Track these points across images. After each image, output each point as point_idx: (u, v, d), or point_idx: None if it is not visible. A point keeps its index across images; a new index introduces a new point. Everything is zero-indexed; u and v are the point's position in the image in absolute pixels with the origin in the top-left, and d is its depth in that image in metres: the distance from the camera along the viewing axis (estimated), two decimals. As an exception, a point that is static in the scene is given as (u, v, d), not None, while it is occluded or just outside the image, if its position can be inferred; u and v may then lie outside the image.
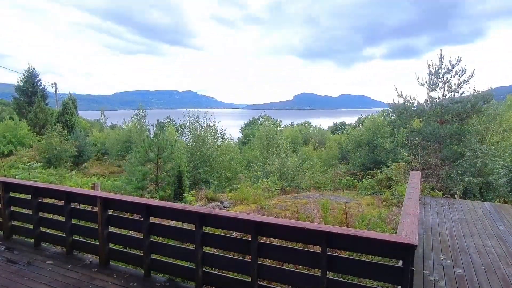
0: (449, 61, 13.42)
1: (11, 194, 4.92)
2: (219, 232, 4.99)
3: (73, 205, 4.51)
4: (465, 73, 13.14)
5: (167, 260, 3.89)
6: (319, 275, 2.89)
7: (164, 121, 46.06)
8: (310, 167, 21.93)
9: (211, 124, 23.02)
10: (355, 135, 22.93)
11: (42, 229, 4.67)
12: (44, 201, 5.07)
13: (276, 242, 4.19)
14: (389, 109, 16.75)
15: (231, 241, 3.63)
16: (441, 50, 13.57)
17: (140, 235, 3.88)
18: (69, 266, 4.03)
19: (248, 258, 3.28)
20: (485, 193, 11.30)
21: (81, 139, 23.28)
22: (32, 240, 4.72)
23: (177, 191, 13.67)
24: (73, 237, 4.43)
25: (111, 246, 4.18)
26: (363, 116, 31.75)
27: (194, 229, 3.45)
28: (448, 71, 13.52)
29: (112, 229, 4.16)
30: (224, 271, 3.81)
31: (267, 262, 3.93)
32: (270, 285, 3.38)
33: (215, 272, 3.63)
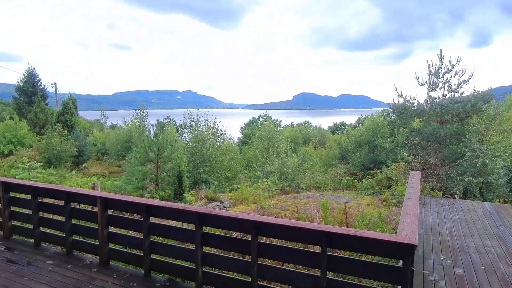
0: (449, 61, 13.42)
1: (11, 194, 4.92)
2: (219, 232, 4.99)
3: (73, 205, 4.51)
4: (465, 73, 13.15)
5: (167, 260, 3.89)
6: (319, 275, 2.89)
7: (164, 121, 46.05)
8: (310, 167, 21.93)
9: (212, 124, 23.02)
10: (355, 135, 22.94)
11: (42, 229, 4.67)
12: (44, 201, 5.07)
13: (276, 242, 4.19)
14: (389, 109, 16.75)
15: (231, 241, 3.63)
16: (441, 50, 13.58)
17: (140, 235, 3.88)
18: (69, 266, 4.03)
19: (248, 258, 3.28)
20: (485, 193, 11.29)
21: (81, 139, 23.27)
22: (32, 240, 4.72)
23: (177, 191, 13.66)
24: (73, 237, 4.43)
25: (111, 246, 4.18)
26: (363, 116, 31.76)
27: (194, 229, 3.45)
28: (448, 71, 13.52)
29: (112, 229, 4.16)
30: (224, 271, 3.81)
31: (267, 262, 3.93)
32: (270, 285, 3.38)
33: (215, 272, 3.64)
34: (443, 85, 13.73)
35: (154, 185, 13.56)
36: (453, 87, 13.48)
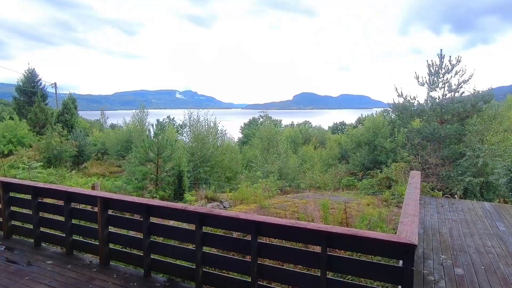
0: (449, 61, 13.42)
1: (11, 194, 4.92)
2: (219, 232, 4.99)
3: (73, 205, 4.51)
4: (465, 73, 13.15)
5: (167, 260, 3.89)
6: (319, 275, 2.89)
7: (164, 121, 46.04)
8: (310, 167, 21.93)
9: (211, 124, 23.02)
10: (355, 135, 22.94)
11: (42, 229, 4.67)
12: (44, 201, 5.07)
13: (276, 242, 4.19)
14: (389, 109, 16.77)
15: (231, 241, 3.63)
16: (441, 50, 13.58)
17: (140, 235, 3.88)
18: (69, 266, 4.02)
19: (248, 258, 3.27)
20: (485, 193, 11.29)
21: (81, 139, 23.28)
22: (32, 240, 4.72)
23: (177, 191, 13.67)
24: (73, 237, 4.43)
25: (111, 246, 4.17)
26: (363, 116, 31.75)
27: (194, 229, 3.45)
28: (448, 71, 13.52)
29: (112, 229, 4.16)
30: (224, 271, 3.81)
31: (267, 262, 3.92)
32: (270, 285, 3.38)
33: (215, 272, 3.63)
34: (443, 85, 13.73)
35: (154, 185, 13.56)
36: (453, 87, 13.48)
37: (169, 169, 14.09)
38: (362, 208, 8.16)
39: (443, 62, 13.56)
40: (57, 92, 36.16)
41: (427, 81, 14.04)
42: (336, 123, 51.00)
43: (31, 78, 31.74)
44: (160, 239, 4.49)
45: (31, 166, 12.27)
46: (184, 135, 25.78)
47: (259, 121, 43.84)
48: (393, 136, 19.17)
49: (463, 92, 13.51)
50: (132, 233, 4.60)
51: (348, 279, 3.71)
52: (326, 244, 2.84)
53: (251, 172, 19.53)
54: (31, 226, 4.73)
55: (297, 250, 3.22)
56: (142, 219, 3.76)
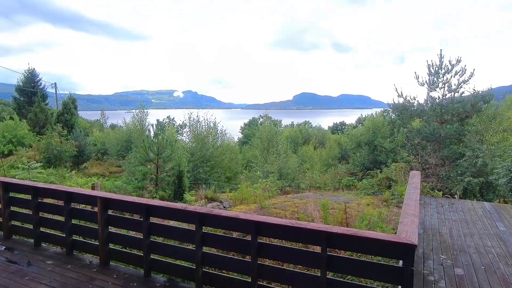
0: (449, 61, 13.42)
1: (11, 194, 4.92)
2: (219, 232, 4.99)
3: (73, 205, 4.51)
4: (465, 73, 13.15)
5: (167, 260, 3.89)
6: (319, 275, 2.89)
7: (164, 121, 46.06)
8: (310, 167, 21.94)
9: (211, 124, 23.03)
10: (355, 135, 22.94)
11: (42, 229, 4.67)
12: (44, 201, 5.07)
13: (276, 242, 4.19)
14: (389, 109, 16.77)
15: (231, 241, 3.63)
16: (441, 50, 13.58)
17: (140, 235, 3.88)
18: (69, 266, 4.02)
19: (248, 258, 3.28)
20: (485, 193, 11.30)
21: (81, 139, 23.27)
22: (32, 240, 4.72)
23: (177, 191, 13.67)
24: (73, 237, 4.43)
25: (111, 246, 4.17)
26: (363, 116, 31.77)
27: (194, 229, 3.45)
28: (448, 71, 13.52)
29: (112, 229, 4.16)
30: (224, 271, 3.81)
31: (267, 262, 3.92)
32: (270, 285, 3.38)
33: (215, 272, 3.63)
34: (443, 85, 13.73)
35: (154, 185, 13.56)
36: (453, 87, 13.49)
37: (169, 169, 14.09)
38: (362, 208, 8.16)
39: (443, 62, 13.56)
40: (57, 92, 36.19)
41: (427, 81, 14.04)
42: (336, 123, 51.04)
43: (31, 78, 31.74)
44: (160, 239, 4.49)
45: (31, 166, 12.26)
46: (184, 135, 25.79)
47: (259, 121, 43.86)
48: (393, 136, 19.17)
49: (463, 92, 13.52)
50: (132, 233, 4.60)
51: (348, 279, 3.72)
52: (326, 244, 2.84)
53: (251, 172, 19.54)
54: (31, 226, 4.73)
55: (297, 250, 3.22)
56: (142, 219, 3.76)
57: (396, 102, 14.87)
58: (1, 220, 4.91)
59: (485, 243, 5.22)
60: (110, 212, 4.14)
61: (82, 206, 5.34)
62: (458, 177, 11.77)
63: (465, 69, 13.09)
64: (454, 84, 13.48)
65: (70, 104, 26.96)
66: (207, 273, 3.50)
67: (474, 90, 13.31)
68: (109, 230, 4.08)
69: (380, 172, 13.26)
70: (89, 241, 4.41)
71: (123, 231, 4.83)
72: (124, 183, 14.35)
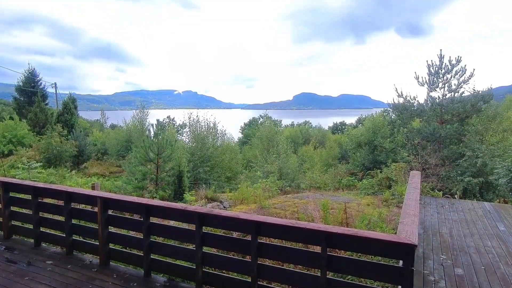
0: (449, 61, 13.43)
1: (11, 194, 4.92)
2: (219, 232, 4.99)
3: (73, 205, 4.51)
4: (465, 73, 13.16)
5: (167, 260, 3.89)
6: (319, 275, 2.89)
7: (164, 121, 46.05)
8: (310, 167, 21.94)
9: (211, 124, 23.03)
10: (355, 135, 22.94)
11: (42, 229, 4.67)
12: (44, 201, 5.07)
13: (276, 242, 4.19)
14: (389, 109, 16.78)
15: (231, 241, 3.63)
16: (441, 50, 13.59)
17: (140, 235, 3.88)
18: (69, 266, 4.02)
19: (248, 258, 3.28)
20: (485, 193, 11.30)
21: (81, 139, 23.27)
22: (32, 240, 4.72)
23: (177, 191, 13.67)
24: (73, 237, 4.43)
25: (111, 246, 4.18)
26: (363, 116, 31.75)
27: (194, 229, 3.45)
28: (448, 71, 13.53)
29: (112, 229, 4.16)
30: (224, 271, 3.81)
31: (267, 262, 3.92)
32: (270, 285, 3.38)
33: (215, 272, 3.63)
34: (443, 85, 13.74)
35: (154, 185, 13.56)
36: (453, 87, 13.49)
37: (169, 169, 14.09)
38: (362, 208, 8.16)
39: (443, 62, 13.57)
40: (57, 92, 36.19)
41: (427, 81, 14.06)
42: (336, 123, 51.05)
43: (31, 78, 31.74)
44: (160, 239, 4.49)
45: (31, 166, 12.26)
46: (184, 135, 25.80)
47: (259, 121, 43.87)
48: (393, 136, 19.16)
49: (463, 92, 13.53)
50: (132, 233, 4.60)
51: (348, 279, 3.72)
52: (326, 244, 2.84)
53: (251, 172, 19.54)
54: (31, 226, 4.73)
55: (297, 250, 3.22)
56: (142, 219, 3.76)
57: (396, 102, 14.88)
58: (1, 220, 4.91)
59: (485, 243, 5.23)
60: (110, 212, 4.14)
61: (82, 206, 5.34)
62: (458, 177, 11.78)
63: (465, 69, 13.11)
64: (454, 84, 13.49)
65: (70, 104, 26.96)
66: (207, 273, 3.50)
67: (474, 90, 13.32)
68: (109, 230, 4.08)
69: (380, 172, 13.25)
70: (89, 241, 4.41)
71: (123, 231, 4.83)
72: (124, 183, 14.34)
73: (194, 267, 3.48)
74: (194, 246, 3.49)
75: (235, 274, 3.58)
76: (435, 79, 13.82)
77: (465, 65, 13.12)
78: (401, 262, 2.73)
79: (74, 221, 4.46)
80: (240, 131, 47.52)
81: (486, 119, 13.69)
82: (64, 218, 4.33)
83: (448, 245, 5.13)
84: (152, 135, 15.08)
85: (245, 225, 3.32)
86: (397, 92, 14.73)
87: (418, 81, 14.23)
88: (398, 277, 2.67)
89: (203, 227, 3.50)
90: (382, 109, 27.30)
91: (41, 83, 32.49)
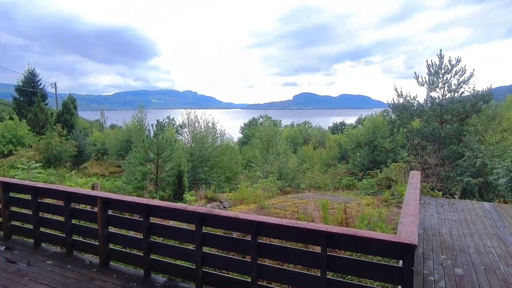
0: (449, 61, 13.43)
1: (11, 194, 4.92)
2: (219, 232, 4.99)
3: (73, 205, 4.50)
4: (464, 73, 13.16)
5: (167, 260, 3.89)
6: (319, 275, 2.89)
7: (164, 121, 46.07)
8: (310, 167, 21.93)
9: (210, 124, 23.04)
10: (355, 135, 22.93)
11: (42, 229, 4.67)
12: (44, 201, 5.06)
13: (276, 242, 4.19)
14: (389, 109, 16.78)
15: (231, 241, 3.63)
16: (440, 50, 13.60)
17: (140, 235, 3.88)
18: (69, 266, 4.02)
19: (248, 258, 3.28)
20: (485, 193, 11.30)
21: (81, 139, 23.27)
22: (32, 240, 4.72)
23: (177, 191, 13.67)
24: (73, 237, 4.43)
25: (111, 246, 4.17)
26: (363, 116, 31.74)
27: (194, 229, 3.45)
28: (448, 71, 13.53)
29: (112, 229, 4.16)
30: (224, 271, 3.81)
31: (267, 262, 3.92)
32: (270, 285, 3.38)
33: (215, 272, 3.63)
34: (443, 85, 13.74)
35: (154, 185, 13.56)
36: (453, 87, 13.50)
37: (168, 169, 14.09)
38: (362, 208, 8.16)
39: (442, 62, 13.58)
40: (57, 92, 36.17)
41: (427, 81, 14.06)
42: (336, 123, 51.07)
43: (31, 78, 31.73)
44: (160, 239, 4.49)
45: (31, 166, 12.25)
46: (184, 135, 25.81)
47: (259, 121, 43.87)
48: (393, 136, 19.16)
49: (462, 92, 13.54)
50: (132, 233, 4.60)
51: (348, 279, 3.72)
52: (326, 244, 2.84)
53: (251, 172, 19.54)
54: (31, 226, 4.72)
55: (297, 250, 3.22)
56: (142, 219, 3.76)
57: (396, 102, 14.88)
58: (1, 220, 4.91)
59: (485, 243, 5.23)
60: (110, 212, 4.14)
61: (82, 206, 5.33)
62: (457, 177, 11.78)
63: (465, 69, 13.11)
64: (454, 84, 13.50)
65: (70, 104, 26.96)
66: (207, 273, 3.50)
67: (474, 90, 13.33)
68: (109, 230, 4.07)
69: (380, 172, 13.24)
70: (89, 241, 4.41)
71: (123, 231, 4.83)
72: (124, 183, 14.35)
73: (194, 267, 3.48)
74: (194, 246, 3.49)
75: (235, 274, 3.58)
76: (435, 79, 13.82)
77: (465, 65, 13.14)
78: (401, 262, 2.73)
79: (74, 221, 4.46)
80: (240, 131, 47.53)
81: (486, 119, 13.70)
82: (64, 218, 4.33)
83: (448, 245, 5.14)
84: (152, 135, 15.08)
85: (245, 225, 3.32)
86: (397, 92, 14.74)
87: (418, 81, 14.23)
88: (398, 277, 2.67)
89: (203, 227, 3.50)
90: (382, 109, 27.31)
91: (41, 83, 32.50)
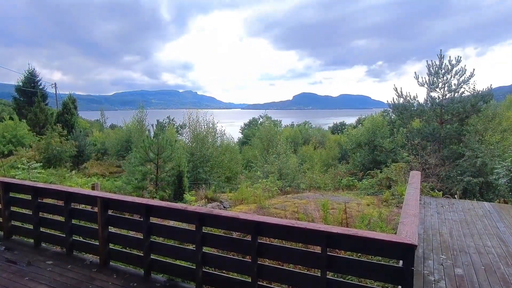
0: (449, 61, 13.44)
1: (11, 194, 4.92)
2: (219, 232, 4.99)
3: (73, 205, 4.50)
4: (464, 73, 13.17)
5: (167, 260, 3.89)
6: (319, 275, 2.89)
7: (164, 121, 46.08)
8: (310, 167, 21.92)
9: (211, 125, 23.04)
10: (355, 135, 22.93)
11: (42, 229, 4.67)
12: (44, 201, 5.06)
13: (276, 242, 4.19)
14: (389, 109, 16.78)
15: (231, 241, 3.62)
16: (440, 50, 13.60)
17: (140, 235, 3.88)
18: (69, 266, 4.02)
19: (248, 258, 3.28)
20: (485, 193, 11.30)
21: (81, 139, 23.28)
22: (32, 240, 4.72)
23: (177, 191, 13.67)
24: (73, 237, 4.43)
25: (111, 246, 4.17)
26: (363, 116, 31.74)
27: (194, 229, 3.45)
28: (448, 71, 13.53)
29: (112, 229, 4.16)
30: (224, 271, 3.80)
31: (267, 262, 3.92)
32: (270, 285, 3.38)
33: (215, 272, 3.63)
34: (443, 85, 13.75)
35: (154, 185, 13.56)
36: (453, 87, 13.50)
37: (169, 169, 14.09)
38: (362, 208, 8.16)
39: (443, 62, 13.58)
40: (57, 92, 36.19)
41: (427, 82, 14.06)
42: (336, 123, 51.09)
43: (31, 78, 31.74)
44: (160, 239, 4.49)
45: (31, 166, 12.26)
46: (184, 135, 25.80)
47: (259, 121, 43.87)
48: (393, 136, 19.16)
49: (463, 92, 13.54)
50: (132, 233, 4.60)
51: (348, 279, 3.72)
52: (326, 244, 2.84)
53: (251, 172, 19.53)
54: (31, 226, 4.73)
55: (297, 250, 3.21)
56: (142, 219, 3.76)
57: (396, 102, 14.89)
58: (1, 220, 4.91)
59: (485, 243, 5.23)
60: (110, 212, 4.14)
61: (82, 206, 5.33)
62: (458, 177, 11.78)
63: (465, 69, 13.12)
64: (454, 84, 13.50)
65: (70, 104, 26.96)
66: (207, 273, 3.50)
67: (474, 90, 13.33)
68: (109, 230, 4.07)
69: (380, 172, 13.24)
70: (89, 241, 4.41)
71: (123, 231, 4.83)
72: (124, 183, 14.35)
73: (194, 267, 3.48)
74: (194, 246, 3.49)
75: (235, 274, 3.58)
76: (435, 79, 13.83)
77: (465, 65, 13.14)
78: (401, 262, 2.73)
79: (74, 221, 4.46)
80: (240, 131, 47.53)
81: (486, 119, 13.69)
82: (64, 218, 4.33)
83: (448, 245, 5.13)
84: (152, 135, 15.09)
85: (245, 225, 3.32)
86: (397, 92, 14.74)
87: (418, 81, 14.24)
88: (398, 277, 2.67)
89: (203, 227, 3.50)
90: (382, 109, 27.31)
91: (41, 83, 32.52)
